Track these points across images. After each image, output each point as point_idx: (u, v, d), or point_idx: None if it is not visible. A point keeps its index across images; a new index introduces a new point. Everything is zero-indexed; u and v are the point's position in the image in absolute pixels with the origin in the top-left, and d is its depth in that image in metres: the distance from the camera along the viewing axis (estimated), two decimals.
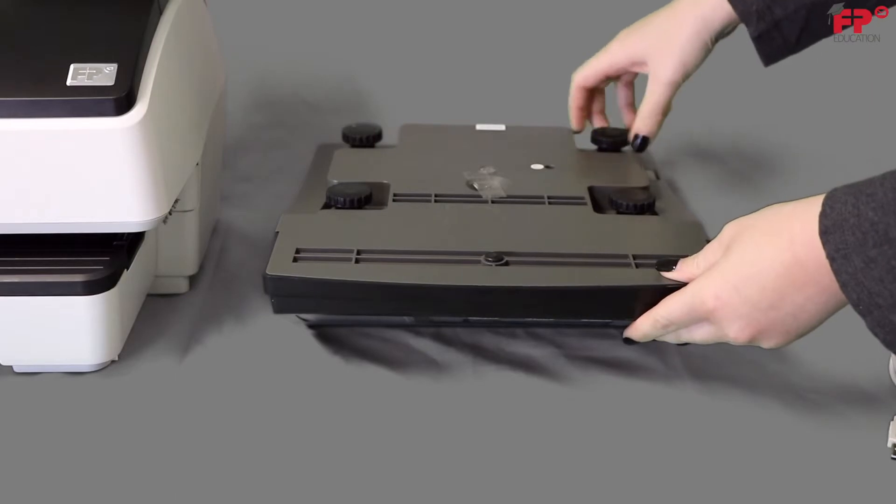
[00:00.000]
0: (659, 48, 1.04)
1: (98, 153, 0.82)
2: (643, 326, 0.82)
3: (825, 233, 0.72)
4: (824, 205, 0.73)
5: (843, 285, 0.72)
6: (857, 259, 0.71)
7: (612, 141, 1.11)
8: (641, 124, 1.07)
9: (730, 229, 0.79)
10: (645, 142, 1.07)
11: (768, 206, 0.78)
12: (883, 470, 0.77)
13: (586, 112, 1.12)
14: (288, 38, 1.42)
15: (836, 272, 0.72)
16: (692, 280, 0.80)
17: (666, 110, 1.07)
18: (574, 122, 1.13)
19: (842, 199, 0.72)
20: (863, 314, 0.72)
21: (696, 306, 0.79)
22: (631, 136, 1.08)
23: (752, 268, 0.76)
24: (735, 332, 0.78)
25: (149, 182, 0.83)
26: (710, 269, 0.79)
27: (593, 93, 1.12)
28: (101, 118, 0.81)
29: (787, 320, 0.76)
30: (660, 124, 1.07)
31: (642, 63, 1.06)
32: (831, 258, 0.72)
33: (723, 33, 1.03)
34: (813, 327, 0.77)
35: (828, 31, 1.01)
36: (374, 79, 1.37)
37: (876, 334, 0.72)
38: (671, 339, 0.83)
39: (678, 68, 1.04)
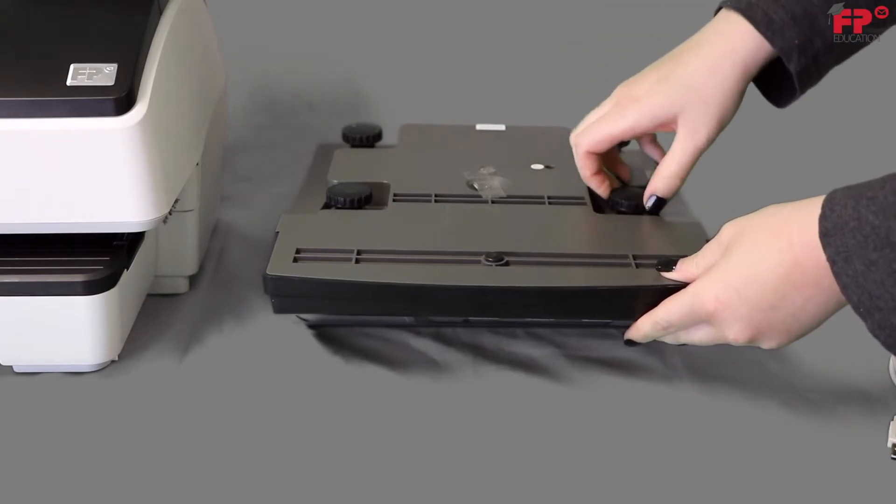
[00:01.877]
0: (693, 105, 0.89)
1: (98, 153, 0.81)
2: (644, 327, 0.82)
3: (825, 235, 0.72)
4: (824, 207, 0.73)
5: (844, 288, 0.72)
6: (857, 262, 0.71)
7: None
8: (661, 184, 0.92)
9: (728, 229, 0.79)
10: (661, 203, 0.93)
11: (767, 206, 0.78)
12: (883, 470, 0.77)
13: (603, 173, 0.96)
14: (288, 39, 1.42)
15: (837, 275, 0.72)
16: (692, 280, 0.80)
17: (690, 172, 0.92)
18: (599, 190, 0.96)
19: (841, 202, 0.72)
20: (863, 317, 0.72)
21: (696, 308, 0.79)
22: (647, 197, 0.93)
23: (753, 269, 0.76)
24: (735, 333, 0.78)
25: (149, 182, 0.83)
26: (710, 270, 0.79)
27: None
28: (101, 118, 0.81)
29: (788, 321, 0.76)
30: (680, 186, 0.93)
31: (670, 123, 0.90)
32: (832, 261, 0.72)
33: (756, 72, 0.89)
34: (813, 327, 0.77)
35: (855, 51, 0.90)
36: (374, 79, 1.37)
37: (877, 336, 0.72)
38: (670, 340, 0.83)
39: (715, 127, 0.89)
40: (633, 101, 0.91)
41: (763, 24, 0.87)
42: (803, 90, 0.90)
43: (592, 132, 0.93)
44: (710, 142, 0.90)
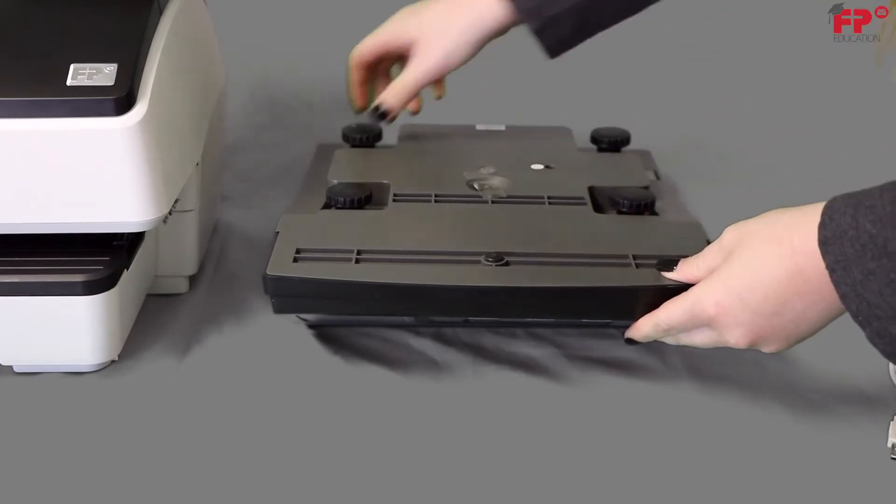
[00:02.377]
0: (429, 36, 1.04)
1: (98, 153, 0.81)
2: (644, 328, 0.82)
3: (824, 244, 0.72)
4: (823, 215, 0.73)
5: (843, 296, 0.72)
6: (856, 271, 0.71)
7: (611, 141, 1.11)
8: (388, 97, 1.06)
9: (730, 234, 0.79)
10: (384, 115, 1.07)
11: (769, 211, 0.78)
12: (883, 470, 0.77)
13: (367, 91, 1.11)
14: (288, 38, 1.42)
15: (836, 283, 0.72)
16: (692, 281, 0.80)
17: (415, 94, 1.07)
18: (356, 100, 1.11)
19: (840, 210, 0.72)
20: (862, 325, 0.72)
21: (696, 313, 0.79)
22: (374, 104, 1.07)
23: (754, 275, 0.76)
24: (736, 338, 0.78)
25: (149, 182, 0.83)
26: (711, 275, 0.79)
27: (374, 73, 1.10)
28: (101, 118, 0.81)
29: (789, 326, 0.76)
30: (405, 105, 1.07)
31: (408, 46, 1.06)
32: (831, 269, 0.72)
33: (499, 32, 1.03)
34: (813, 332, 0.77)
35: (602, 27, 1.03)
36: None
37: (875, 345, 0.72)
38: (670, 341, 0.83)
39: (439, 63, 1.04)
40: (391, 22, 1.08)
41: None
42: (551, 51, 1.03)
43: (359, 45, 1.09)
44: (434, 75, 1.05)
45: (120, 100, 0.82)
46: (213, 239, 1.07)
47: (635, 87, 1.39)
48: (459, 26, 1.03)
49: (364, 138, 1.10)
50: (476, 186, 0.99)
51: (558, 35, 1.02)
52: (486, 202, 0.96)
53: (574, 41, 1.03)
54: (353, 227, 0.91)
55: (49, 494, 0.74)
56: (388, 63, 1.11)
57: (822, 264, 0.72)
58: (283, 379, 0.86)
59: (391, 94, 1.06)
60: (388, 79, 1.11)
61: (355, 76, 1.10)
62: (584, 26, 1.02)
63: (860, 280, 0.71)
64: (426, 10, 1.06)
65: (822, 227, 0.72)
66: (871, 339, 0.72)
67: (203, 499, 0.74)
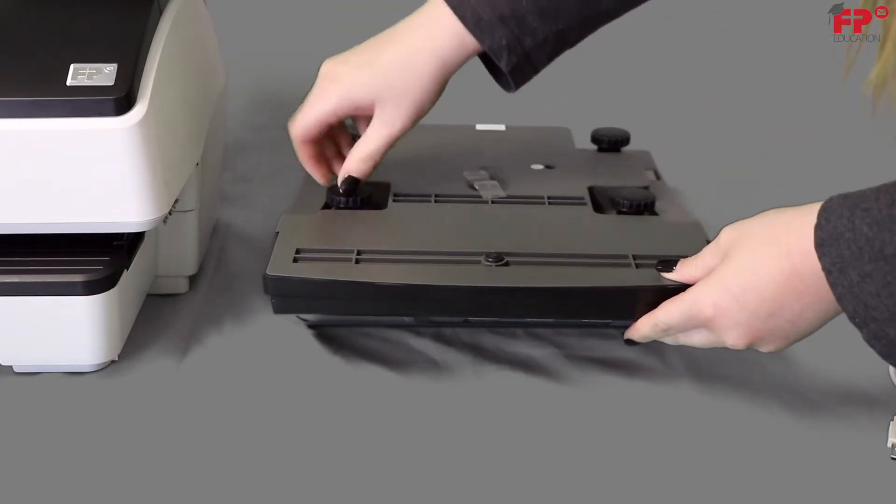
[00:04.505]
0: (393, 91, 0.91)
1: (98, 153, 0.81)
2: (643, 328, 0.82)
3: (821, 245, 0.72)
4: (820, 216, 0.73)
5: (840, 298, 0.72)
6: (852, 273, 0.71)
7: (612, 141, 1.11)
8: (355, 166, 0.94)
9: (727, 234, 0.79)
10: (355, 184, 0.94)
11: (766, 211, 0.78)
12: (883, 470, 0.77)
13: (324, 161, 0.98)
14: (288, 38, 1.42)
15: (833, 285, 0.72)
16: (691, 281, 0.80)
17: (384, 155, 0.94)
18: (318, 177, 0.98)
19: (837, 212, 0.72)
20: (859, 326, 0.72)
21: (694, 314, 0.79)
22: (340, 177, 0.95)
23: (751, 276, 0.76)
24: (733, 339, 0.78)
25: (149, 182, 0.83)
26: (708, 276, 0.79)
27: (322, 140, 0.98)
28: (101, 118, 0.81)
29: (786, 327, 0.76)
30: (375, 168, 0.95)
31: (369, 107, 0.92)
32: (827, 271, 0.72)
33: (458, 68, 0.93)
34: (811, 332, 0.77)
35: (567, 47, 0.94)
36: None
37: (872, 346, 0.73)
38: (669, 341, 0.83)
39: (412, 116, 0.92)
40: (334, 83, 0.93)
41: (472, 22, 0.89)
42: (518, 84, 0.94)
43: (301, 119, 0.95)
44: (405, 130, 0.93)
45: (120, 100, 0.82)
46: (213, 239, 1.07)
47: (635, 87, 1.39)
48: (425, 74, 0.91)
49: None
50: (476, 186, 0.99)
51: (527, 71, 0.93)
52: (486, 202, 0.97)
53: (536, 73, 0.94)
54: (353, 227, 0.91)
55: (49, 494, 0.74)
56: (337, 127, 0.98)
57: (818, 265, 0.72)
58: (283, 379, 0.86)
59: (357, 163, 0.94)
60: (348, 134, 1.00)
61: (305, 153, 0.97)
62: (550, 59, 0.94)
63: (857, 282, 0.71)
64: (375, 63, 0.92)
65: (819, 228, 0.72)
66: (868, 341, 0.72)
67: (203, 499, 0.74)
